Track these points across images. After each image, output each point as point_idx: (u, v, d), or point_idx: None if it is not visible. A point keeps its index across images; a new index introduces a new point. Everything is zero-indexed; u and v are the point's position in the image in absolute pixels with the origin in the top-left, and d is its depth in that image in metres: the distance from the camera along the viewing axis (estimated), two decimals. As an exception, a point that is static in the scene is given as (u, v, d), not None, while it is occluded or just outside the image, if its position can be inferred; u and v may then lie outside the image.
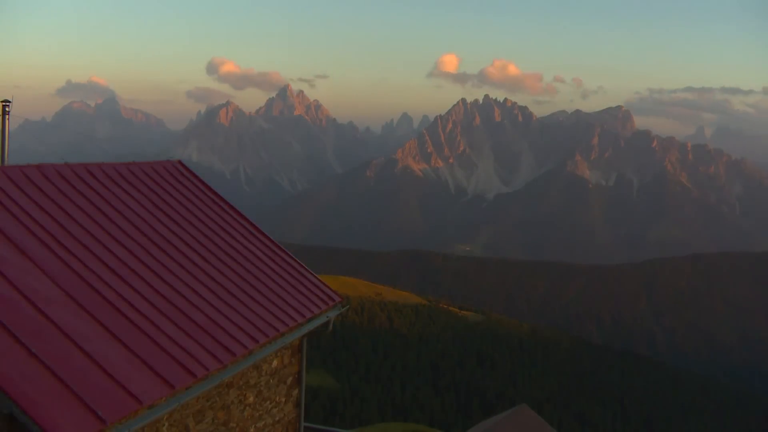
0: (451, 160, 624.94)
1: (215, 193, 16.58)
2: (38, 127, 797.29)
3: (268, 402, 13.66)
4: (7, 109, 13.75)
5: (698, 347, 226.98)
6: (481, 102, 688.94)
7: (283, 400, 14.36)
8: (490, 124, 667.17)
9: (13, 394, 7.34)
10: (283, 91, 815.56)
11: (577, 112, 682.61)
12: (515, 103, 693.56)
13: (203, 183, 16.74)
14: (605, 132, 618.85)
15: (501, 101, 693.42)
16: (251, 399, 12.89)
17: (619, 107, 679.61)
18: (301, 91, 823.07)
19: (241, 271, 13.87)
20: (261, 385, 13.27)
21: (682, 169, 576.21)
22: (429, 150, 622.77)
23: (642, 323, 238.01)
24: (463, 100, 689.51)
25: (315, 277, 15.81)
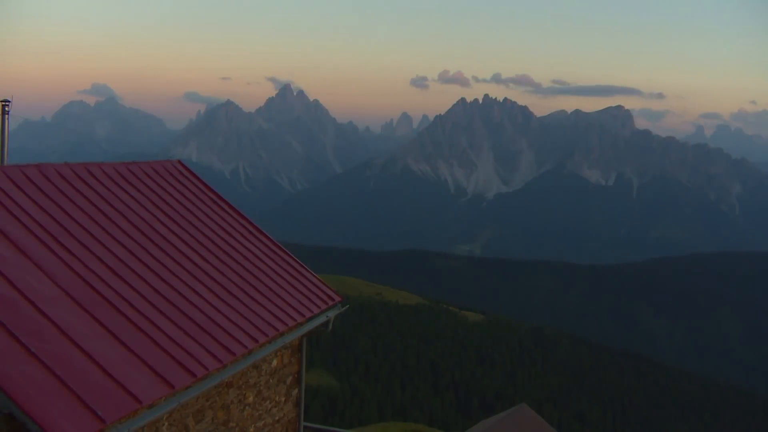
0: (450, 160, 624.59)
1: (215, 193, 16.58)
2: (38, 127, 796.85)
3: (268, 401, 13.67)
4: (7, 108, 13.71)
5: (698, 347, 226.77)
6: (480, 102, 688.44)
7: (283, 399, 14.37)
8: (490, 123, 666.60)
9: (13, 394, 7.34)
10: (283, 91, 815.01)
11: (577, 111, 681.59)
12: (515, 102, 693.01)
13: (203, 183, 16.75)
14: (605, 132, 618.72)
15: (501, 101, 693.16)
16: (251, 398, 12.91)
17: (619, 107, 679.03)
18: (301, 91, 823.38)
19: (241, 271, 13.88)
20: (261, 385, 13.29)
21: (682, 169, 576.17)
22: (429, 150, 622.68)
23: (642, 323, 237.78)
24: (463, 99, 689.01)
25: (315, 276, 15.81)
